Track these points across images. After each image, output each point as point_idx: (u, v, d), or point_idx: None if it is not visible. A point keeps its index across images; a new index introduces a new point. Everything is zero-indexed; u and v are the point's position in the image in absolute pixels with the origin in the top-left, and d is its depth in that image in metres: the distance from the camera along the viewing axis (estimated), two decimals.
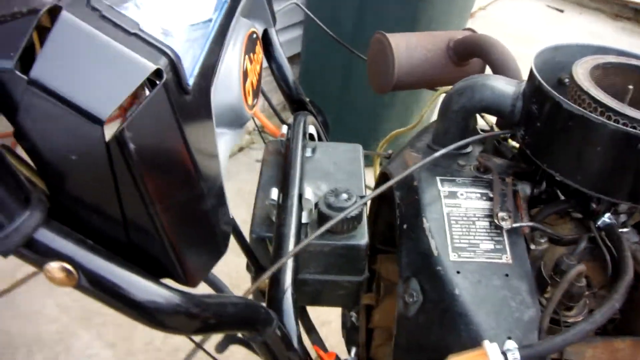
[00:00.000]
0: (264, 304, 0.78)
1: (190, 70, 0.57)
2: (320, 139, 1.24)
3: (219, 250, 0.70)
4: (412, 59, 1.27)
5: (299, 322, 0.85)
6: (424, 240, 0.88)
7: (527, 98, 0.90)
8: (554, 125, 0.84)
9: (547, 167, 0.87)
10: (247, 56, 0.79)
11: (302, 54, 3.26)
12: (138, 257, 0.57)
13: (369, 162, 1.53)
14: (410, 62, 1.27)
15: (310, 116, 1.19)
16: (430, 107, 1.39)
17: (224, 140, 0.75)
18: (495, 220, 0.87)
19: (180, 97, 0.54)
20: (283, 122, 1.17)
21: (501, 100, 0.94)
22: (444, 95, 1.33)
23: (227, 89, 0.73)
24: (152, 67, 0.48)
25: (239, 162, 3.16)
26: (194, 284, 0.63)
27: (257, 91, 0.89)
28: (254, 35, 0.87)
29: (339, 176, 1.06)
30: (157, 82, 0.49)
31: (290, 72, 1.20)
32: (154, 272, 0.56)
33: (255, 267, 1.00)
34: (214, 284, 1.01)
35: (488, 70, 1.19)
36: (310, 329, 1.11)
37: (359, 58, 1.56)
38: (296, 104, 1.23)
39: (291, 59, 3.49)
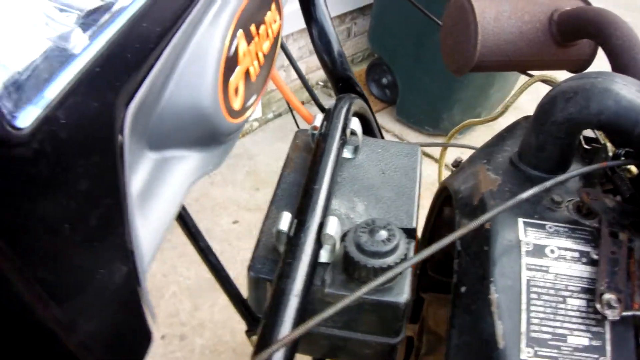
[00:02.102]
0: None
1: (38, 90, 0.30)
2: (371, 131, 0.95)
3: None
4: (501, 33, 0.95)
5: None
6: (487, 321, 0.60)
7: None
8: None
9: None
10: (241, 31, 0.51)
11: (374, 6, 2.91)
12: None
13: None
14: (498, 37, 0.95)
15: (357, 100, 0.90)
16: (519, 96, 1.08)
17: (180, 170, 0.47)
18: (598, 305, 0.59)
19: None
20: (321, 107, 0.88)
21: (629, 115, 0.63)
22: (539, 84, 1.03)
23: (192, 83, 0.45)
24: None
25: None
26: None
27: (260, 84, 0.61)
28: None
29: (385, 193, 0.78)
30: None
31: (336, 40, 0.91)
32: None
33: (248, 319, 0.74)
34: None
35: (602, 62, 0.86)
36: None
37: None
38: (341, 83, 0.94)
39: (362, 10, 3.17)
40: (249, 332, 0.76)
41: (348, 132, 0.82)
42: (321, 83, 3.23)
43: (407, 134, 2.99)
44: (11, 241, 0.29)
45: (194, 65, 0.45)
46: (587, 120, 0.66)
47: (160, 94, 0.43)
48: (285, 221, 0.67)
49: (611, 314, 0.58)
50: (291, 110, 0.95)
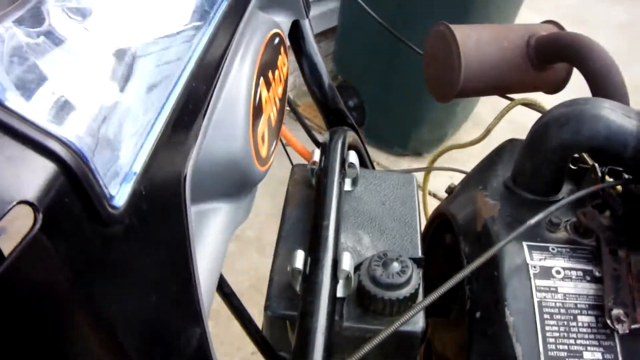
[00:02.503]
0: None
1: (129, 166, 0.31)
2: (362, 161, 0.98)
3: None
4: (483, 59, 0.99)
5: None
6: (506, 343, 0.63)
7: None
8: None
9: None
10: (262, 79, 0.53)
11: (338, 29, 2.96)
12: None
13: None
14: (480, 62, 0.99)
15: (350, 132, 0.93)
16: (501, 119, 1.12)
17: (218, 223, 0.49)
18: (608, 321, 0.62)
19: (93, 235, 0.29)
20: (315, 142, 0.90)
21: (619, 139, 0.67)
22: (520, 107, 1.07)
23: (227, 134, 0.47)
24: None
25: None
26: None
27: (278, 129, 0.63)
28: (277, 39, 0.61)
29: (388, 223, 0.80)
30: (36, 219, 0.24)
31: (326, 74, 0.93)
32: None
33: (270, 358, 0.75)
34: None
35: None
36: None
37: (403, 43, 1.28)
38: (332, 116, 0.96)
39: (324, 34, 3.20)
40: None
41: (346, 165, 0.84)
42: (287, 109, 3.25)
43: (377, 156, 3.02)
44: (106, 312, 0.30)
45: (227, 116, 0.47)
46: (580, 144, 0.69)
47: (199, 146, 0.44)
48: (300, 260, 0.68)
49: (621, 328, 0.61)
50: (284, 146, 0.97)
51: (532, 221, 0.63)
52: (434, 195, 2.75)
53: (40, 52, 0.29)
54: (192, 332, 0.39)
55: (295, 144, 0.91)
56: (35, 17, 0.30)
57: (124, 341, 0.31)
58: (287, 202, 0.84)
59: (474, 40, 0.99)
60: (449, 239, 0.95)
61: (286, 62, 0.65)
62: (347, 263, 0.68)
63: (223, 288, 0.77)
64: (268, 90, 0.55)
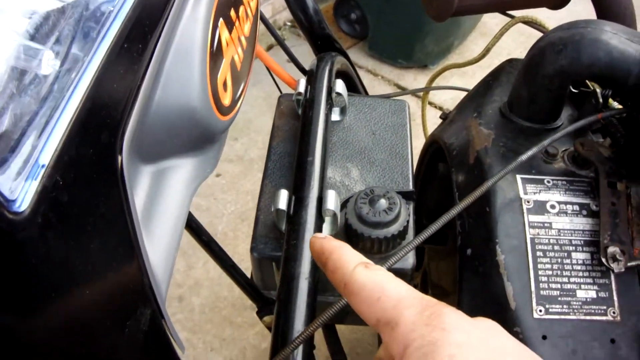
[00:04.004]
0: None
1: (34, 159, 0.27)
2: (353, 87, 0.93)
3: None
4: None
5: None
6: (497, 282, 0.61)
7: None
8: None
9: None
10: (221, 19, 0.48)
11: None
12: None
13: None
14: None
15: (338, 57, 0.88)
16: (500, 38, 1.05)
17: (179, 180, 0.45)
18: (603, 259, 0.59)
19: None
20: (302, 70, 0.86)
21: (621, 66, 0.62)
22: (520, 25, 1.01)
23: (180, 86, 0.43)
24: None
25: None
26: None
27: (246, 70, 0.58)
28: None
29: (377, 155, 0.77)
30: None
31: None
32: None
33: (258, 301, 0.74)
34: None
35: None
36: (338, 351, 0.86)
37: None
38: (319, 41, 0.91)
39: None
40: (260, 313, 0.76)
41: (333, 94, 0.80)
42: (289, 23, 3.15)
43: (380, 68, 2.95)
44: (34, 309, 0.28)
45: (179, 66, 0.42)
46: (579, 72, 0.65)
47: (149, 103, 0.41)
48: (283, 200, 0.66)
49: (617, 267, 0.59)
50: (272, 76, 0.92)
51: (524, 157, 0.59)
52: (440, 108, 2.70)
53: None
54: (141, 316, 0.37)
55: (282, 73, 0.87)
56: None
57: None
58: (273, 135, 0.81)
59: None
60: (443, 169, 0.92)
61: None
62: (332, 202, 0.65)
63: (202, 236, 0.75)
64: (230, 30, 0.50)
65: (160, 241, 0.41)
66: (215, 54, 0.46)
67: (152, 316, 0.38)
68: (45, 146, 0.28)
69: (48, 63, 0.30)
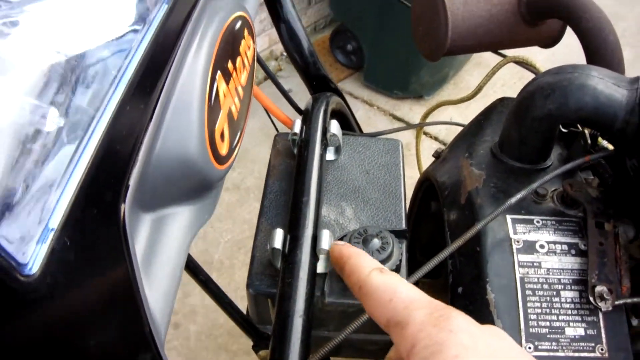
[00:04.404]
0: None
1: (44, 223, 0.29)
2: (348, 126, 0.95)
3: None
4: (471, 17, 0.95)
5: None
6: (487, 320, 0.62)
7: None
8: None
9: None
10: (219, 72, 0.50)
11: None
12: None
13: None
14: (468, 21, 0.95)
15: (333, 97, 0.90)
16: (492, 77, 1.08)
17: (178, 227, 0.47)
18: (591, 298, 0.61)
19: (9, 309, 0.28)
20: (298, 110, 0.88)
21: (607, 111, 0.64)
22: (511, 65, 1.04)
23: (179, 138, 0.45)
24: None
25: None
26: None
27: (242, 120, 0.60)
28: (238, 24, 0.57)
29: (371, 194, 0.79)
30: None
31: (306, 40, 0.90)
32: None
33: (254, 336, 0.75)
34: None
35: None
36: None
37: None
38: (315, 81, 0.93)
39: None
40: (256, 348, 0.77)
41: (328, 135, 0.82)
42: (285, 54, 3.20)
43: (376, 99, 2.99)
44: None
45: (178, 118, 0.44)
46: (567, 116, 0.67)
47: (150, 155, 0.43)
48: (278, 239, 0.67)
49: (604, 306, 0.60)
50: (268, 115, 0.94)
51: (513, 200, 0.61)
52: (435, 138, 2.73)
53: None
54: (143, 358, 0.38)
55: (278, 113, 0.89)
56: None
57: None
58: (269, 173, 0.83)
59: None
60: (434, 207, 0.94)
61: (251, 45, 0.62)
62: (326, 241, 0.67)
63: (199, 275, 0.76)
64: (227, 82, 0.53)
65: (159, 286, 0.43)
66: (213, 106, 0.48)
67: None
68: (55, 210, 0.30)
69: (52, 120, 0.32)
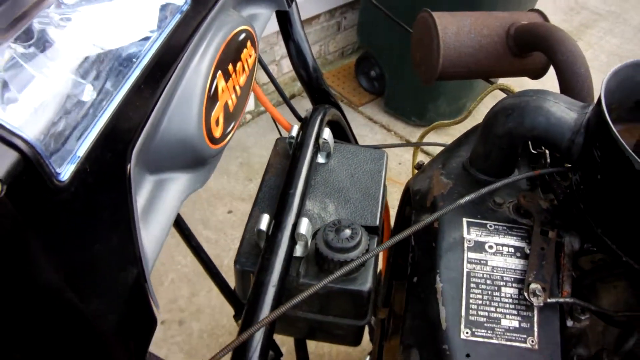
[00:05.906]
0: None
1: (74, 151, 0.42)
2: (344, 136, 1.06)
3: None
4: (461, 47, 1.06)
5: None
6: (434, 306, 0.71)
7: (591, 135, 0.70)
8: (620, 186, 0.64)
9: (603, 234, 0.68)
10: (219, 72, 0.62)
11: (361, 1, 3.02)
12: None
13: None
14: (459, 50, 1.06)
15: (331, 109, 1.01)
16: (480, 102, 1.18)
17: (173, 189, 0.59)
18: (525, 294, 0.70)
19: (45, 200, 0.41)
20: (298, 117, 0.99)
21: (557, 131, 0.74)
22: (498, 91, 1.13)
23: (181, 120, 0.57)
24: None
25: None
26: None
27: (238, 112, 0.72)
28: (242, 35, 0.69)
29: (353, 194, 0.89)
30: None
31: (311, 57, 1.01)
32: None
33: (236, 306, 0.85)
34: None
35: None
36: None
37: None
38: (317, 94, 1.04)
39: (350, 5, 3.25)
40: (236, 317, 0.87)
41: (321, 140, 0.92)
42: None
43: (394, 125, 3.09)
44: (61, 256, 0.42)
45: (182, 105, 0.57)
46: (523, 134, 0.76)
47: (156, 130, 0.55)
48: (264, 222, 0.78)
49: (536, 301, 0.69)
50: (274, 121, 1.05)
51: (462, 201, 0.70)
52: (432, 156, 2.83)
53: (29, 58, 0.41)
54: (129, 272, 0.50)
55: (281, 119, 1.00)
56: (27, 33, 0.42)
57: (70, 281, 0.42)
58: (266, 170, 0.93)
59: (454, 28, 1.05)
60: (408, 212, 1.03)
61: (253, 54, 0.74)
62: (304, 227, 0.77)
63: (191, 241, 0.87)
64: (227, 81, 0.65)
65: (152, 233, 0.54)
66: (212, 98, 0.61)
67: (137, 275, 0.51)
68: (81, 145, 0.43)
69: (88, 94, 0.45)
